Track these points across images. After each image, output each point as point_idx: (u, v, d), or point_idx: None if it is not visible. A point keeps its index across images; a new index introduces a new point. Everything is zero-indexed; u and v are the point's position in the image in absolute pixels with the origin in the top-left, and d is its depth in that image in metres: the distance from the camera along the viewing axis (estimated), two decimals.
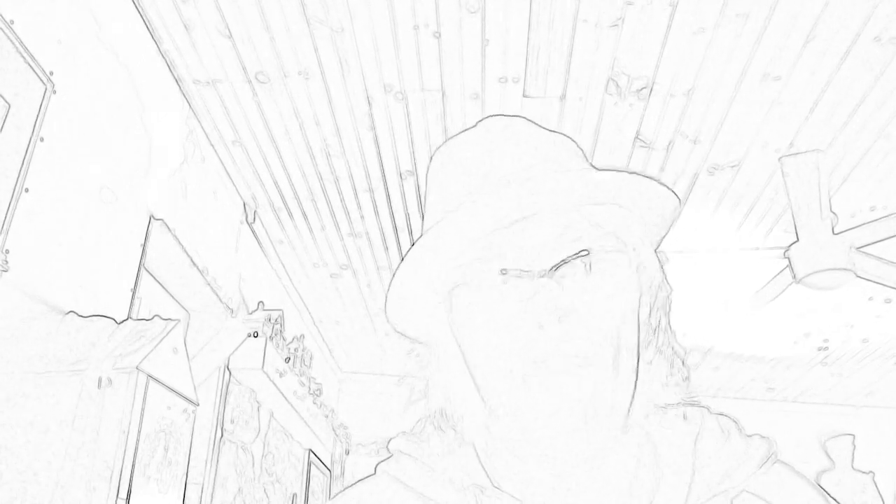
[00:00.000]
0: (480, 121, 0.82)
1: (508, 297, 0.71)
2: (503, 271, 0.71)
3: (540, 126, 0.81)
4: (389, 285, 0.78)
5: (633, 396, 0.73)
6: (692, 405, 0.78)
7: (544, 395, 0.68)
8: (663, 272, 0.80)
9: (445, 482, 0.74)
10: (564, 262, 0.71)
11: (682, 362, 0.78)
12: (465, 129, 0.82)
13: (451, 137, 0.83)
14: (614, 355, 0.70)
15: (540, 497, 0.72)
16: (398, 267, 0.77)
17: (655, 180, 0.74)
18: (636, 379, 0.74)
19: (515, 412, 0.71)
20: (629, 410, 0.73)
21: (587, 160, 0.82)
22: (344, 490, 0.79)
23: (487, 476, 0.74)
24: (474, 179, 0.77)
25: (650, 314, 0.77)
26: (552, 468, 0.73)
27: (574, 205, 0.73)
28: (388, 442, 0.80)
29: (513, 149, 0.78)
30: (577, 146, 0.82)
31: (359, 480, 0.80)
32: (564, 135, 0.82)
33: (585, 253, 0.71)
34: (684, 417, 0.77)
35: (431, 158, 0.84)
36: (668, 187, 0.75)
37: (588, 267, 0.72)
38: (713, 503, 0.71)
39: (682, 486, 0.71)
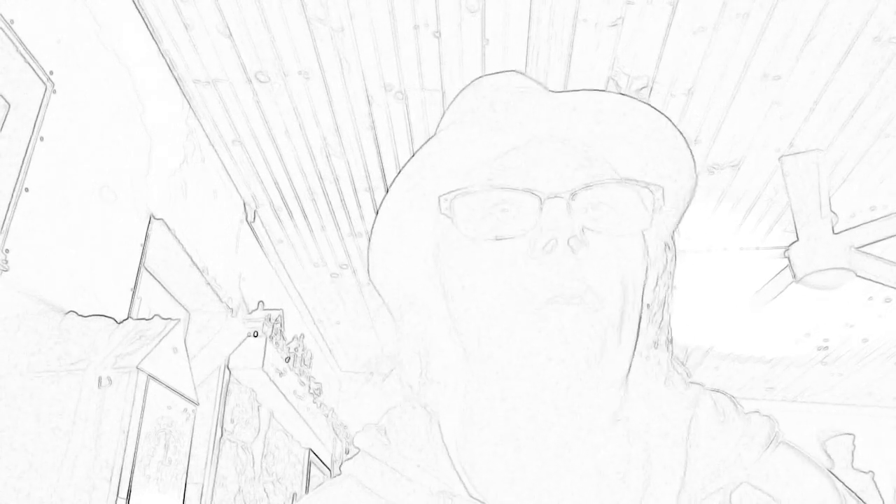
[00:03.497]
0: (504, 72, 0.77)
1: (512, 221, 0.65)
2: (518, 190, 0.65)
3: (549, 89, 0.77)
4: (376, 219, 0.71)
5: (628, 372, 0.67)
6: (686, 384, 0.72)
7: (549, 325, 0.62)
8: (674, 248, 0.74)
9: (413, 488, 0.67)
10: (586, 187, 0.65)
11: (684, 366, 0.72)
12: (490, 74, 0.77)
13: (479, 77, 0.77)
14: (621, 309, 0.64)
15: (518, 501, 0.65)
16: (389, 189, 0.70)
17: (668, 119, 0.69)
18: (633, 351, 0.67)
19: (512, 358, 0.64)
20: (623, 387, 0.67)
21: None
22: (308, 495, 0.73)
23: (460, 479, 0.67)
24: (484, 101, 0.72)
25: (656, 284, 0.71)
26: (534, 466, 0.66)
27: (590, 136, 0.68)
28: (354, 436, 0.72)
29: (533, 90, 0.74)
30: None
31: (324, 483, 0.73)
32: None
33: (606, 181, 0.66)
34: (676, 398, 0.70)
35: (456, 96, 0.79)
36: (677, 128, 0.70)
37: (605, 200, 0.66)
38: (709, 502, 0.64)
39: (672, 485, 0.64)
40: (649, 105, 0.69)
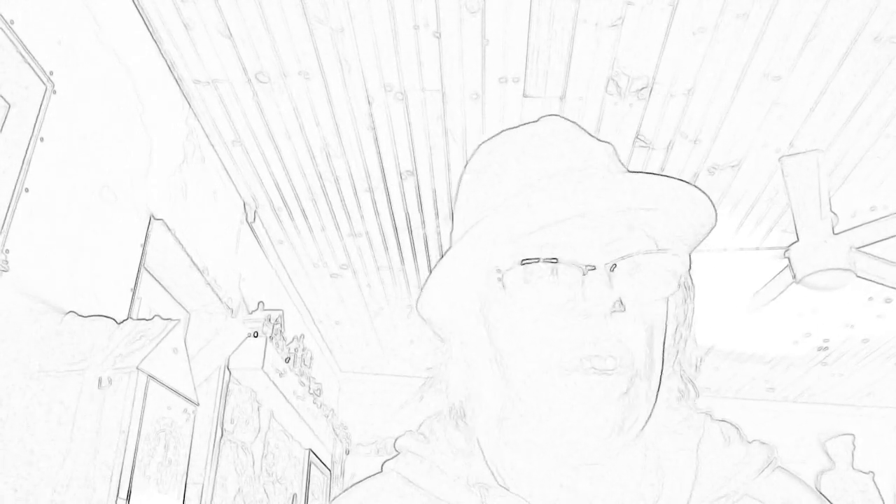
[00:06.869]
0: (542, 117, 0.84)
1: (557, 289, 0.72)
2: (559, 262, 0.72)
3: (588, 132, 0.84)
4: (431, 272, 0.79)
5: (652, 407, 0.75)
6: (695, 412, 0.80)
7: (582, 395, 0.70)
8: (692, 290, 0.83)
9: (453, 481, 0.75)
10: (622, 258, 0.73)
11: (694, 384, 0.80)
12: (525, 123, 0.83)
13: (509, 129, 0.84)
14: (649, 360, 0.72)
15: (545, 497, 0.73)
16: (443, 255, 0.78)
17: (699, 189, 0.77)
18: (658, 389, 0.76)
19: (547, 413, 0.72)
20: (647, 421, 0.75)
21: (624, 166, 0.85)
22: (350, 487, 0.79)
23: (493, 476, 0.75)
24: (530, 174, 0.79)
25: (676, 328, 0.80)
26: (560, 471, 0.74)
27: (621, 209, 0.76)
28: (395, 440, 0.80)
29: (569, 150, 0.81)
30: (616, 152, 0.85)
31: (365, 478, 0.80)
32: (608, 142, 0.84)
33: (637, 252, 0.74)
34: (687, 425, 0.79)
35: (480, 145, 0.85)
36: (707, 196, 0.78)
37: (637, 267, 0.74)
38: None
39: (684, 490, 0.73)
40: (704, 194, 0.77)
